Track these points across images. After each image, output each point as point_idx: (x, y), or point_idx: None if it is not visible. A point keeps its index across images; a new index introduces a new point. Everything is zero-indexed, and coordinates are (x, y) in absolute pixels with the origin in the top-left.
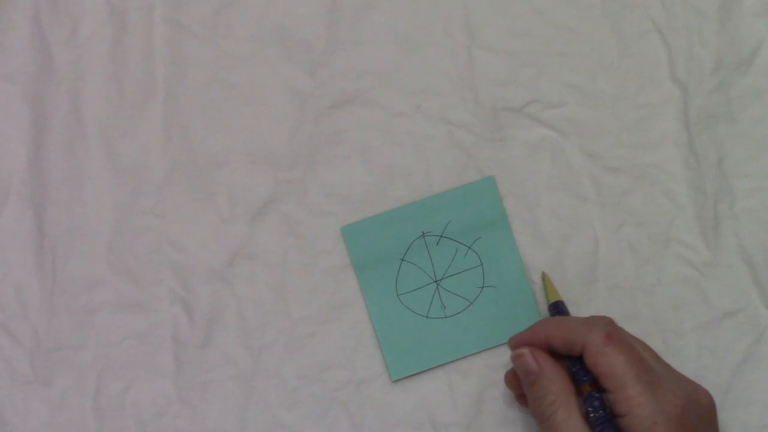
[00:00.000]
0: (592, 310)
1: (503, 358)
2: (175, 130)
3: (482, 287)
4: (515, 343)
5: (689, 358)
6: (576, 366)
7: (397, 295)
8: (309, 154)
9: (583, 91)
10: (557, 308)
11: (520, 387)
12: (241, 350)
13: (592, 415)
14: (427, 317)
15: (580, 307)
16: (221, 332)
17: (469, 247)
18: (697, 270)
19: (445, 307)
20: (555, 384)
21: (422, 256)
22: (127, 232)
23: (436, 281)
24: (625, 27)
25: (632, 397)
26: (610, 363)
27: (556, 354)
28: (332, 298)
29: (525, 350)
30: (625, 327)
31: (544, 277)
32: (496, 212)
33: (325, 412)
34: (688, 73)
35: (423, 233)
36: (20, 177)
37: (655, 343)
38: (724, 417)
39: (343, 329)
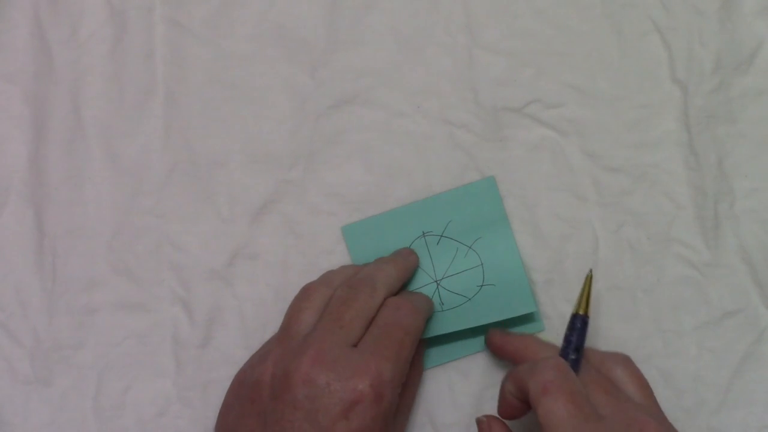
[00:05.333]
0: (593, 311)
1: None
2: (175, 130)
3: (482, 286)
4: (496, 343)
5: (689, 358)
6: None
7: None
8: (309, 154)
9: (583, 91)
10: (572, 323)
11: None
12: (241, 350)
13: None
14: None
15: None
16: (221, 332)
17: (470, 247)
18: (697, 270)
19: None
20: None
21: (422, 256)
22: (127, 232)
23: (436, 281)
24: (625, 27)
25: None
26: (545, 414)
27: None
28: None
29: (483, 418)
30: (625, 327)
31: (587, 279)
32: (497, 212)
33: None
34: (688, 73)
35: (423, 233)
36: (20, 177)
37: (655, 343)
38: (724, 417)
39: None
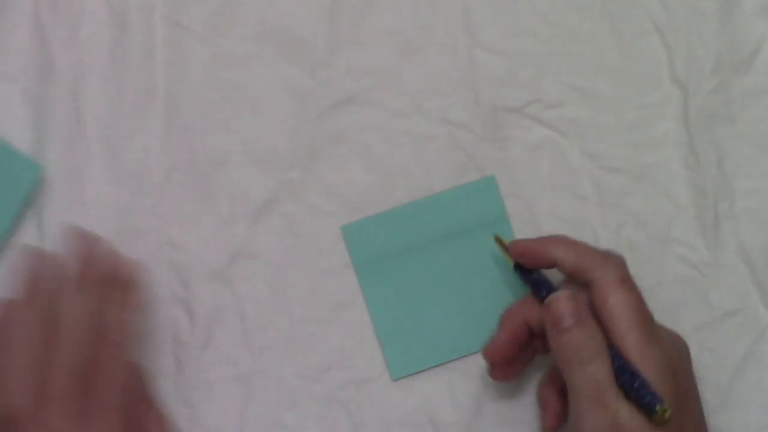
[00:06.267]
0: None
1: None
2: (175, 130)
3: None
4: (519, 252)
5: None
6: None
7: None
8: (309, 154)
9: (583, 91)
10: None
11: (510, 352)
12: (241, 350)
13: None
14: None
15: None
16: (221, 332)
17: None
18: (697, 270)
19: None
20: (599, 334)
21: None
22: (128, 233)
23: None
24: (625, 27)
25: (637, 344)
26: (620, 304)
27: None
28: (332, 298)
29: (564, 294)
30: None
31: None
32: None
33: (325, 412)
34: (688, 73)
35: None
36: None
37: None
38: (724, 417)
39: (343, 329)
